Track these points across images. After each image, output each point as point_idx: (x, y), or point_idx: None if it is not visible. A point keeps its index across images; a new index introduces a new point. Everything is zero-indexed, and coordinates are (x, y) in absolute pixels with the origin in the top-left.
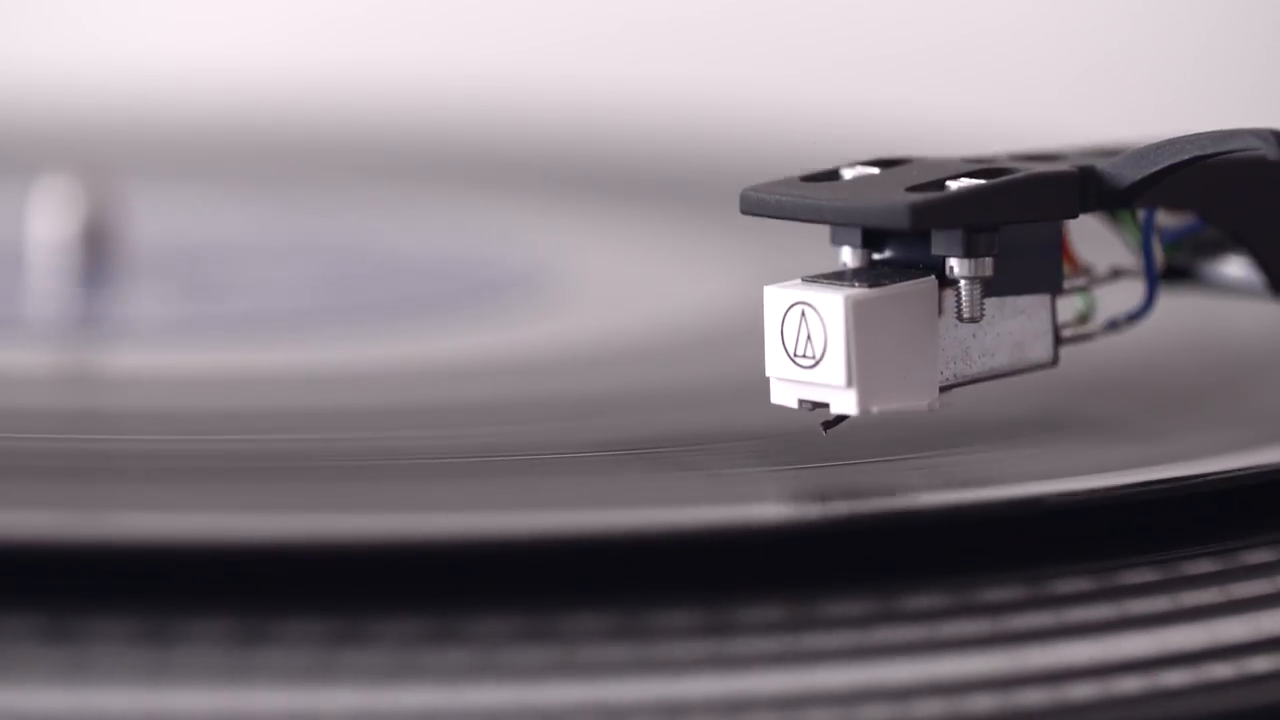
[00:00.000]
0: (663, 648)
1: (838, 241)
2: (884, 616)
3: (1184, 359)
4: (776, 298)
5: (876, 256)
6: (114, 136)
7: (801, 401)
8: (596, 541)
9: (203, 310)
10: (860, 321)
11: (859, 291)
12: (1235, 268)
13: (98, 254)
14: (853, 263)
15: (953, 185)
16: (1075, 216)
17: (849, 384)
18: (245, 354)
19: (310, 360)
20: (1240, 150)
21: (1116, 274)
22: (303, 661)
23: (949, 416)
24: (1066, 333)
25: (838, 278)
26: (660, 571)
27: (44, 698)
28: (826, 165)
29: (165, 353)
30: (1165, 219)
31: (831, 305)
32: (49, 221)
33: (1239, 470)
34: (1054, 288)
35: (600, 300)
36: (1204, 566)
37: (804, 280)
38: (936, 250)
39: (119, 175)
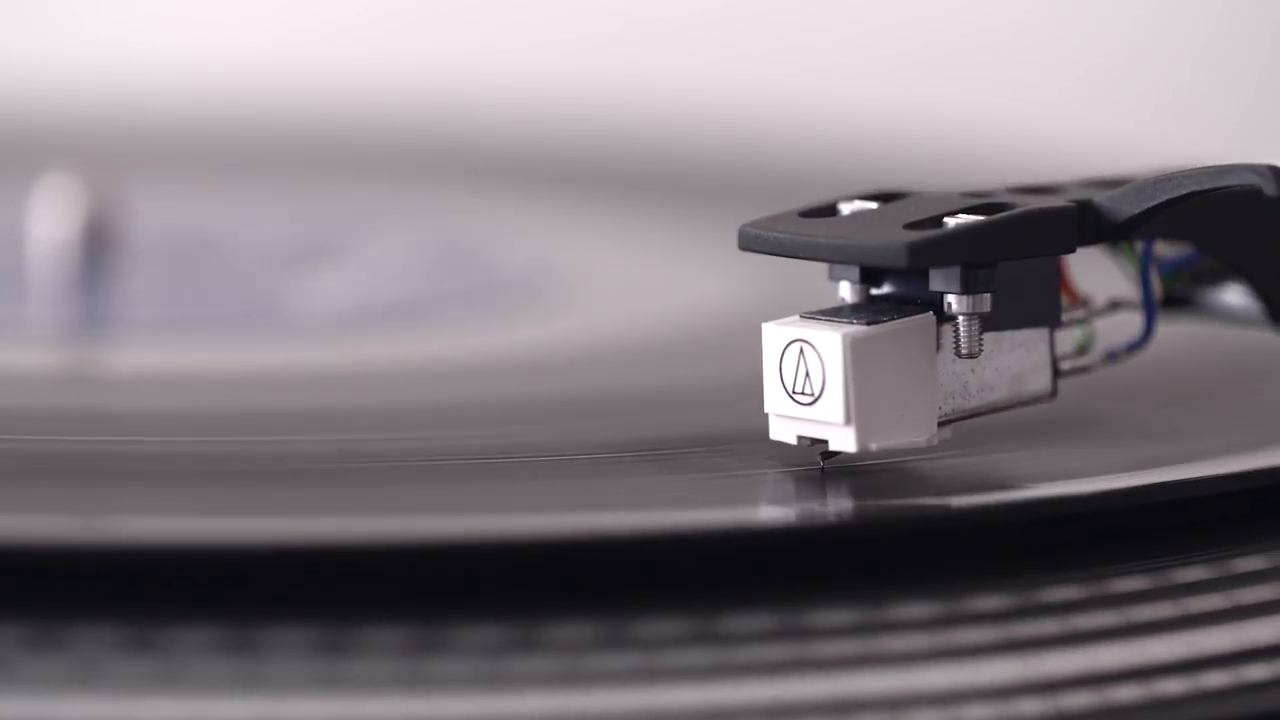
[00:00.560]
0: (672, 655)
1: (835, 277)
2: (882, 624)
3: (1190, 359)
4: (775, 335)
5: (875, 292)
6: (115, 135)
7: (800, 438)
8: (598, 542)
9: (202, 310)
10: (858, 359)
11: (857, 329)
12: (1234, 296)
13: (98, 254)
14: (851, 298)
15: (950, 222)
16: (1073, 251)
17: (848, 421)
18: (245, 354)
19: (310, 360)
20: (1238, 186)
21: (1115, 306)
22: (299, 668)
23: None
24: (1065, 365)
25: (836, 314)
26: (660, 570)
27: (40, 705)
28: (825, 167)
29: (165, 353)
30: (1164, 249)
31: (829, 343)
32: (49, 221)
33: (1251, 471)
34: (1052, 321)
35: (601, 300)
36: (1256, 568)
37: (802, 317)
38: (935, 287)
39: (120, 174)
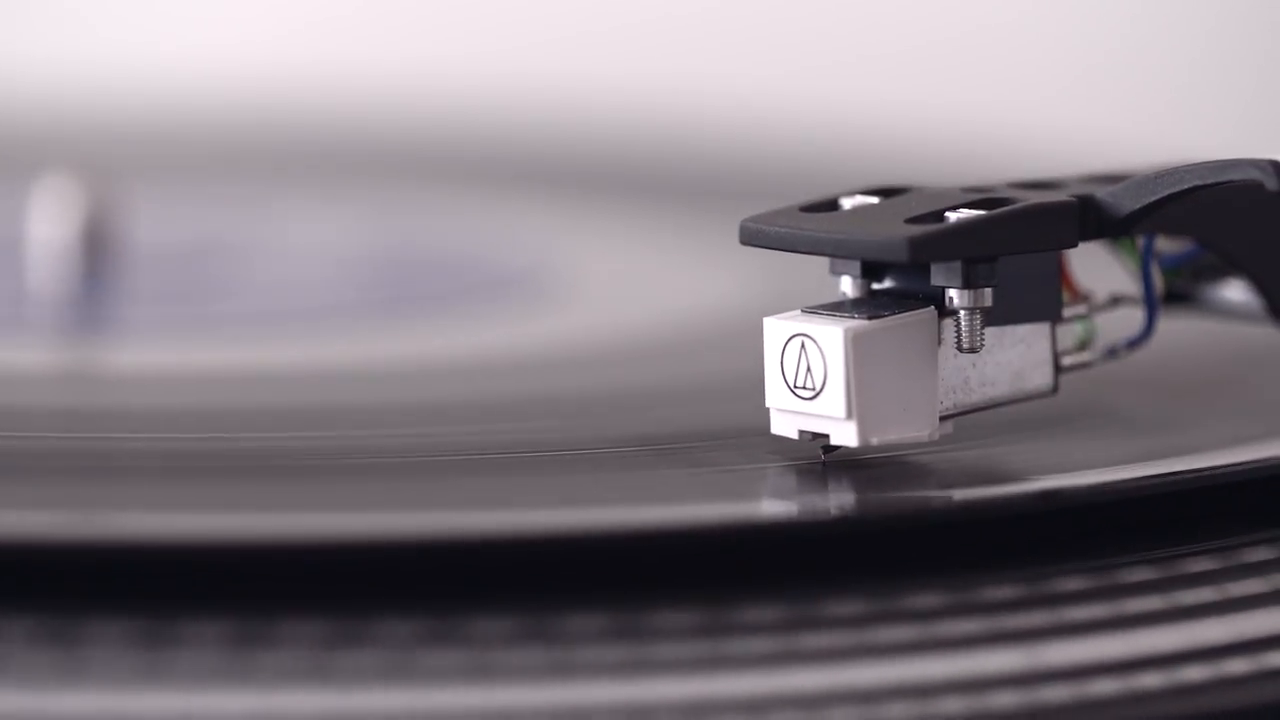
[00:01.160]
0: (666, 647)
1: (837, 271)
2: (888, 615)
3: (1191, 354)
4: (776, 329)
5: (876, 286)
6: (114, 136)
7: (802, 432)
8: (597, 539)
9: (203, 310)
10: (860, 353)
11: (858, 323)
12: (1235, 291)
13: (98, 254)
14: (852, 293)
15: (951, 217)
16: (1074, 246)
17: (849, 416)
18: (245, 354)
19: (310, 359)
20: (1239, 180)
21: (1116, 301)
22: (303, 663)
23: None
24: (1066, 360)
25: (837, 308)
26: (662, 570)
27: (42, 700)
28: (826, 164)
29: (165, 353)
30: (1164, 244)
31: (831, 337)
32: (49, 221)
33: (1252, 463)
34: (1054, 316)
35: (600, 299)
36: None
37: (804, 311)
38: (936, 281)
39: (119, 175)
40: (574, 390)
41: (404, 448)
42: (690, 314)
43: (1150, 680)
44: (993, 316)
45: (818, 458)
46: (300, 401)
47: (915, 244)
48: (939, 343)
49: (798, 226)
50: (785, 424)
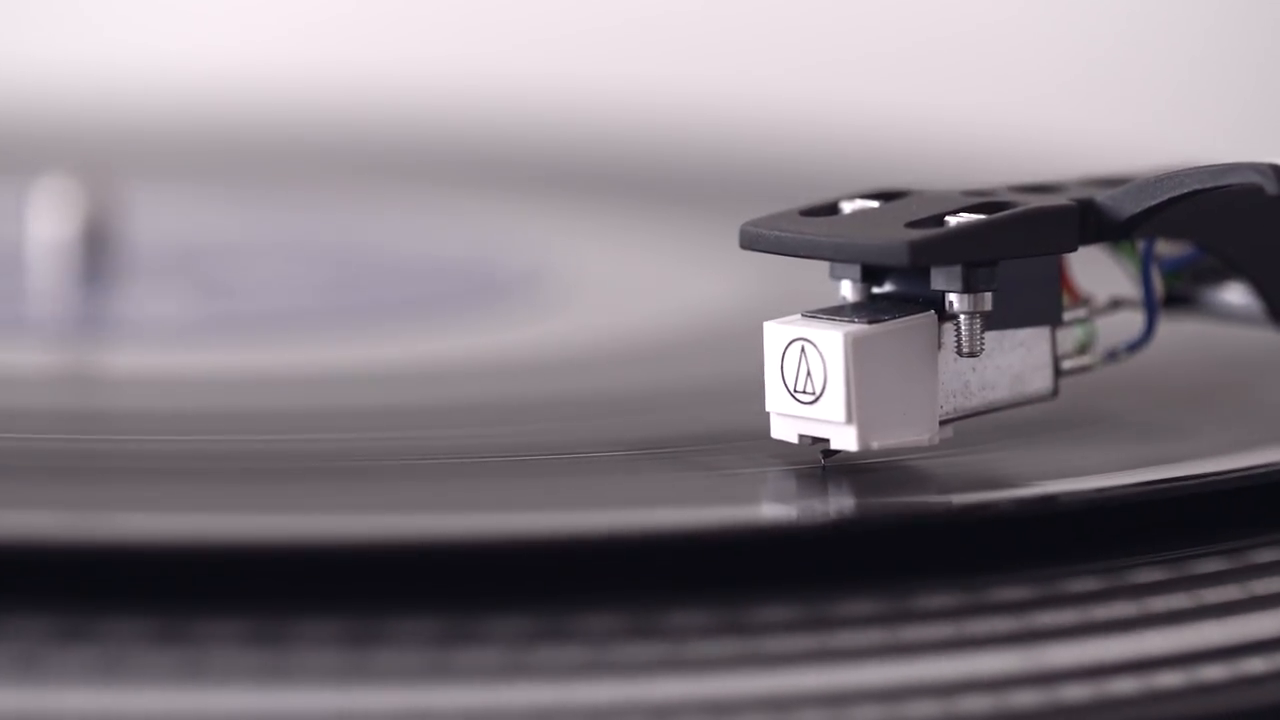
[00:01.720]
0: (660, 647)
1: (837, 275)
2: (902, 615)
3: (1191, 357)
4: (776, 334)
5: (876, 290)
6: (114, 136)
7: (802, 436)
8: (598, 542)
9: (203, 310)
10: (860, 358)
11: (858, 328)
12: (1236, 295)
13: (98, 254)
14: (852, 297)
15: (952, 221)
16: (1074, 250)
17: (849, 420)
18: (245, 354)
19: (310, 360)
20: (1239, 184)
21: (1116, 304)
22: (326, 662)
23: None
24: (1066, 364)
25: (837, 313)
26: (664, 570)
27: (46, 698)
28: (826, 167)
29: (165, 353)
30: (1165, 248)
31: (831, 342)
32: (49, 221)
33: (1252, 468)
34: (1054, 320)
35: (600, 300)
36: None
37: (804, 315)
38: (936, 285)
39: (119, 175)
40: (572, 393)
41: (404, 450)
42: (690, 317)
43: (1170, 678)
44: (993, 320)
45: (818, 462)
46: (299, 403)
47: (915, 248)
48: (939, 347)
49: (797, 230)
50: (785, 428)
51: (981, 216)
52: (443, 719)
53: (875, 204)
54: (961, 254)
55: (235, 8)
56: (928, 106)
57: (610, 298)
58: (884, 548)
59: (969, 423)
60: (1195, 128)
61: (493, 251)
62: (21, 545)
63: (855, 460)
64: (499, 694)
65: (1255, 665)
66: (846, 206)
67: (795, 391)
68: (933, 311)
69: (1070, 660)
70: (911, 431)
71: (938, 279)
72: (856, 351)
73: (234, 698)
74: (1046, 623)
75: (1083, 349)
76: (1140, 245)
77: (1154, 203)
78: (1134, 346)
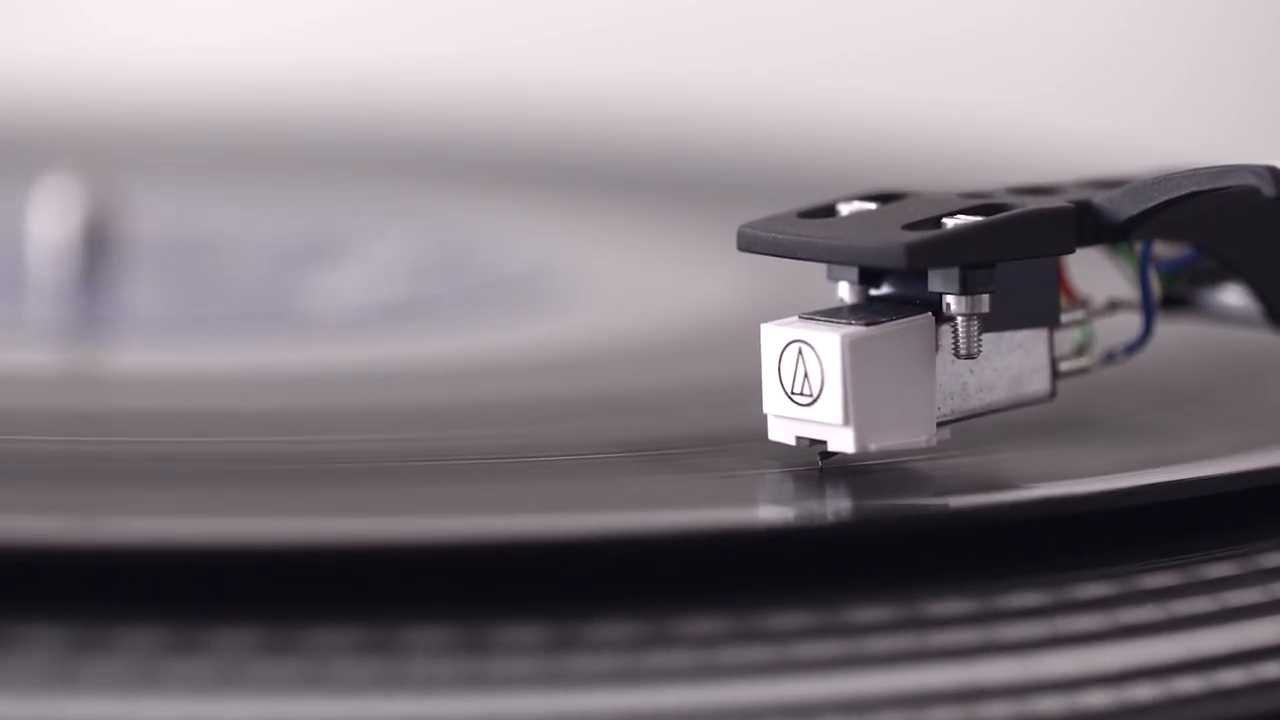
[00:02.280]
0: (656, 656)
1: (834, 277)
2: (908, 621)
3: (1189, 359)
4: (773, 336)
5: (873, 292)
6: (114, 135)
7: (799, 438)
8: (599, 543)
9: (203, 310)
10: (857, 360)
11: (855, 330)
12: (1233, 296)
13: (98, 254)
14: (850, 299)
15: (949, 223)
16: (1072, 252)
17: (846, 422)
18: (245, 354)
19: (310, 360)
20: (1236, 186)
21: (1114, 306)
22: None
23: None
24: (1064, 366)
25: (834, 314)
26: (669, 571)
27: (50, 705)
28: (825, 167)
29: (165, 353)
30: (1162, 249)
31: (828, 344)
32: (49, 221)
33: (1250, 470)
34: (1051, 321)
35: (599, 301)
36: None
37: (801, 317)
38: (933, 287)
39: (119, 174)
40: (570, 394)
41: (404, 451)
42: (688, 319)
43: (1145, 692)
44: (990, 322)
45: (815, 464)
46: (299, 404)
47: (913, 250)
48: (936, 349)
49: (795, 232)
50: (783, 430)
51: (979, 218)
52: None
53: (873, 206)
54: (959, 256)
55: (235, 7)
56: (925, 108)
57: (609, 298)
58: (891, 550)
59: (967, 424)
60: (1193, 129)
61: (493, 251)
62: (21, 547)
63: (853, 462)
64: (516, 702)
65: (1236, 674)
66: (844, 208)
67: (793, 393)
68: (930, 313)
69: (1060, 669)
70: (909, 433)
71: (935, 281)
72: (854, 353)
73: (255, 707)
74: (1047, 628)
75: (1080, 351)
76: (1138, 247)
77: (1152, 204)
78: (1132, 348)
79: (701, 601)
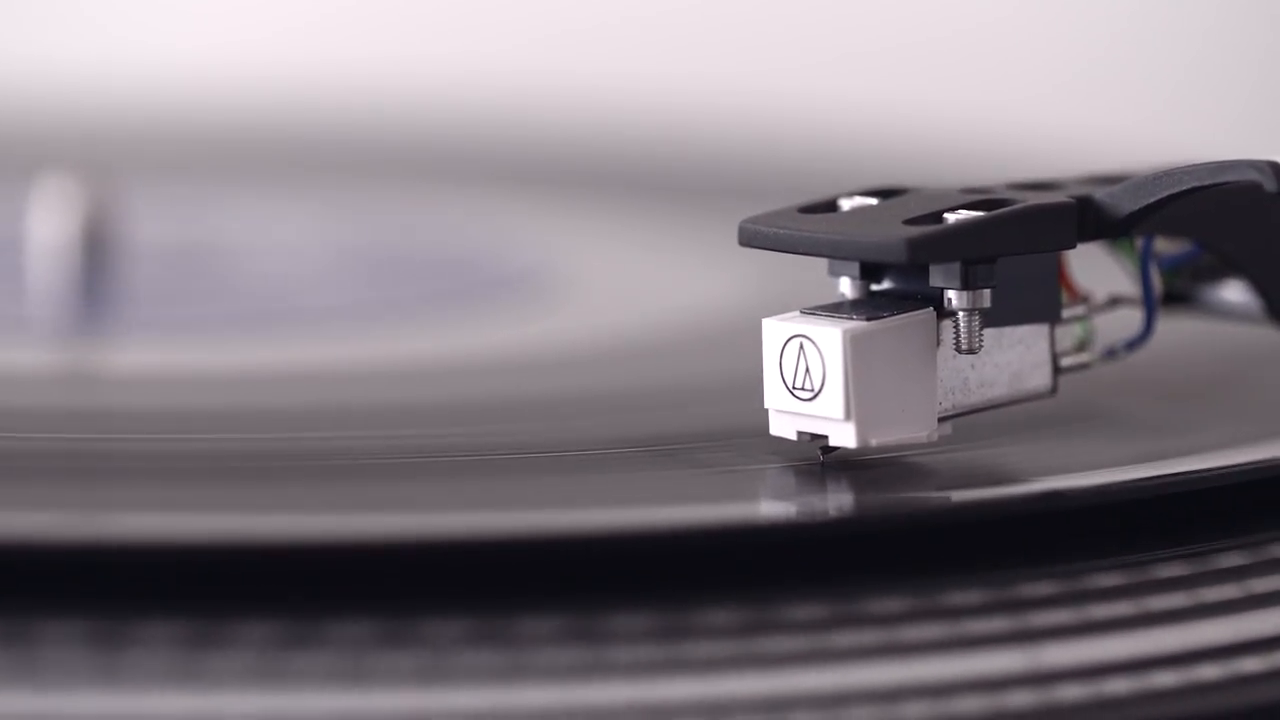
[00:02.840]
0: (631, 649)
1: (835, 273)
2: (921, 613)
3: (1190, 355)
4: (774, 330)
5: (875, 287)
6: (114, 136)
7: (800, 433)
8: (609, 538)
9: (203, 310)
10: (858, 354)
11: (856, 324)
12: (1235, 292)
13: (98, 254)
14: (851, 294)
15: (950, 218)
16: (1073, 247)
17: (848, 417)
18: (245, 354)
19: (310, 359)
20: (1237, 181)
21: (1115, 302)
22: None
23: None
24: (1065, 361)
25: (836, 309)
26: (650, 566)
27: (64, 700)
28: (825, 165)
29: (165, 352)
30: (1163, 245)
31: (829, 338)
32: (49, 221)
33: (1251, 464)
34: (1052, 317)
35: (600, 298)
36: (1233, 560)
37: (802, 312)
38: (934, 282)
39: (119, 175)
40: (571, 391)
41: (404, 449)
42: (689, 315)
43: (1153, 680)
44: (991, 317)
45: (816, 459)
46: (299, 401)
47: (914, 245)
48: (938, 344)
49: (796, 228)
50: (784, 425)
51: (980, 214)
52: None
53: (874, 201)
54: (960, 251)
55: (235, 7)
56: (927, 105)
57: (610, 296)
58: (865, 548)
59: (968, 419)
60: (1194, 126)
61: (493, 250)
62: (18, 547)
63: (854, 457)
64: (505, 695)
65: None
66: (845, 204)
67: (794, 388)
68: (931, 308)
69: (1061, 660)
70: (910, 428)
71: (936, 276)
72: (855, 348)
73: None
74: (1034, 623)
75: (1081, 346)
76: (1139, 243)
77: (1152, 200)
78: (1133, 344)
79: (716, 594)
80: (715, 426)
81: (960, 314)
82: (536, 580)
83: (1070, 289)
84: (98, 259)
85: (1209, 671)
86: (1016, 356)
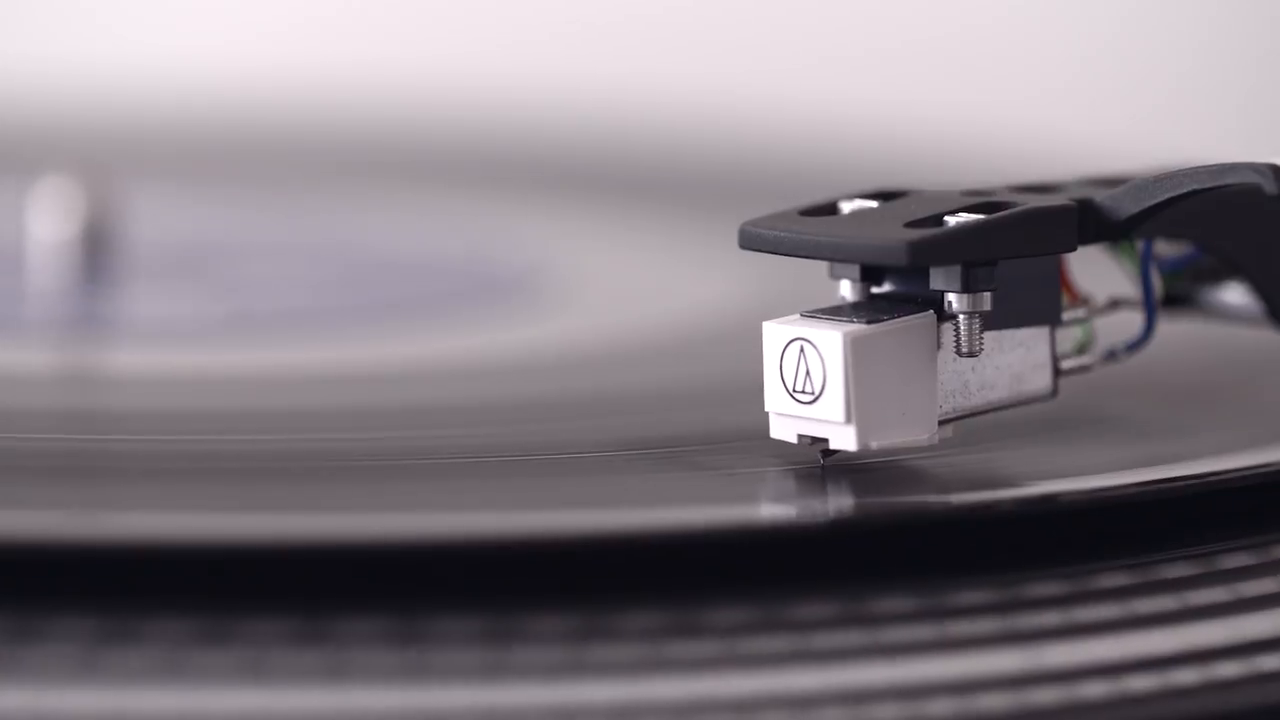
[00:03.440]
0: (629, 649)
1: (836, 275)
2: (882, 617)
3: (1190, 357)
4: (775, 333)
5: (875, 290)
6: (114, 136)
7: (801, 436)
8: (595, 540)
9: (203, 310)
10: (859, 358)
11: (857, 328)
12: (1235, 294)
13: (98, 254)
14: (851, 296)
15: (951, 221)
16: (1073, 250)
17: (848, 420)
18: (245, 354)
19: (310, 360)
20: (1238, 184)
21: (1115, 304)
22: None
23: None
24: (1066, 364)
25: (836, 312)
26: (652, 567)
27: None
28: (825, 167)
29: (165, 352)
30: (1164, 248)
31: (830, 341)
32: (49, 221)
33: (1252, 468)
34: (1053, 320)
35: (600, 300)
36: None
37: (803, 315)
38: (935, 285)
39: (119, 175)
40: (571, 393)
41: (402, 450)
42: (689, 317)
43: (1142, 683)
44: (992, 320)
45: (817, 462)
46: (299, 402)
47: (914, 248)
48: (938, 347)
49: (797, 230)
50: (784, 428)
51: (981, 216)
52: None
53: (874, 204)
54: (960, 254)
55: (235, 7)
56: (927, 106)
57: (610, 298)
58: (865, 550)
59: (968, 422)
60: (1194, 128)
61: (493, 251)
62: (19, 548)
63: (854, 460)
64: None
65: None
66: (845, 206)
67: (794, 391)
68: (932, 311)
69: (1059, 662)
70: (911, 431)
71: (937, 279)
72: (855, 351)
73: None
74: (1033, 624)
75: (1082, 349)
76: (1139, 245)
77: (1153, 202)
78: (1133, 346)
79: (724, 595)
80: (715, 429)
81: (961, 317)
82: (536, 581)
83: (1071, 291)
84: (98, 258)
85: (1229, 669)
86: (1017, 359)
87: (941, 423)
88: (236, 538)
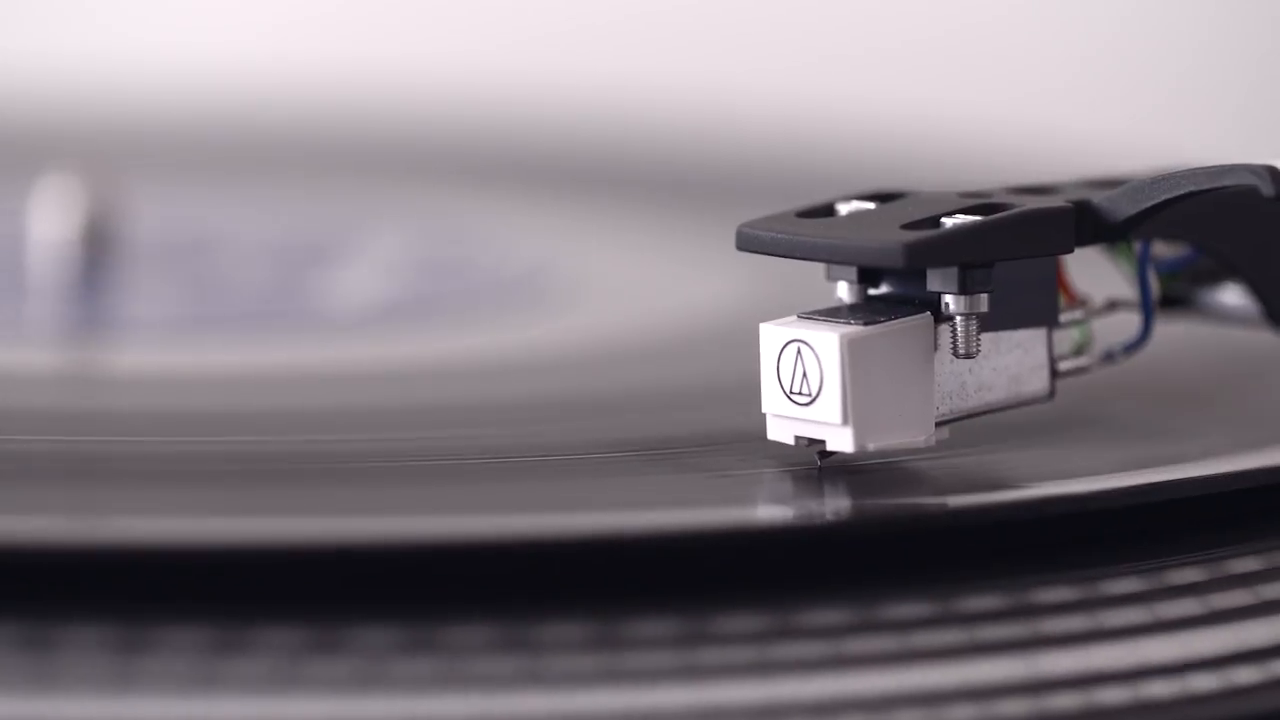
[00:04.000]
0: (635, 656)
1: (833, 277)
2: (876, 624)
3: (1188, 359)
4: (772, 335)
5: (872, 292)
6: (114, 134)
7: (798, 438)
8: (595, 541)
9: (203, 310)
10: (856, 359)
11: (854, 329)
12: (1232, 296)
13: (98, 253)
14: (848, 298)
15: (948, 222)
16: (1071, 252)
17: (845, 421)
18: (245, 354)
19: (310, 360)
20: (1235, 186)
21: (1113, 306)
22: (277, 668)
23: None
24: (1063, 365)
25: (833, 314)
26: (655, 569)
27: (42, 706)
28: (824, 167)
29: (165, 353)
30: (1161, 249)
31: (827, 343)
32: (49, 221)
33: (1250, 470)
34: (1050, 321)
35: (599, 301)
36: (1245, 565)
37: (800, 317)
38: (932, 287)
39: (120, 173)
40: (570, 394)
41: (402, 451)
42: (687, 318)
43: (1150, 690)
44: (989, 322)
45: (814, 463)
46: (299, 403)
47: (912, 250)
48: (935, 348)
49: (794, 232)
50: (781, 429)
51: (978, 218)
52: None
53: (871, 205)
54: (958, 255)
55: (236, 6)
56: (925, 107)
57: (609, 298)
58: (863, 552)
59: (963, 425)
60: (1192, 129)
61: (494, 251)
62: (19, 547)
63: (848, 462)
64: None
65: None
66: (843, 208)
67: (791, 393)
68: (929, 313)
69: (1059, 669)
70: (908, 433)
71: (934, 280)
72: (852, 353)
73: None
74: (1032, 630)
75: (1079, 350)
76: (1137, 246)
77: (1151, 204)
78: (1131, 348)
79: (715, 596)
80: (712, 431)
81: (958, 318)
82: (538, 583)
83: (1068, 293)
84: (98, 258)
85: (1246, 674)
86: (1014, 360)
87: (939, 424)
88: (236, 538)
